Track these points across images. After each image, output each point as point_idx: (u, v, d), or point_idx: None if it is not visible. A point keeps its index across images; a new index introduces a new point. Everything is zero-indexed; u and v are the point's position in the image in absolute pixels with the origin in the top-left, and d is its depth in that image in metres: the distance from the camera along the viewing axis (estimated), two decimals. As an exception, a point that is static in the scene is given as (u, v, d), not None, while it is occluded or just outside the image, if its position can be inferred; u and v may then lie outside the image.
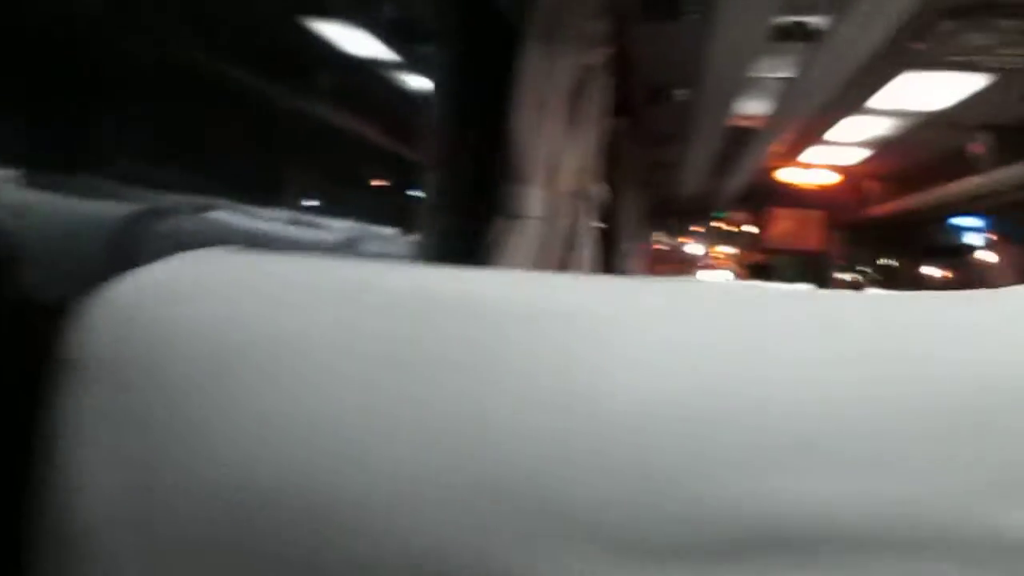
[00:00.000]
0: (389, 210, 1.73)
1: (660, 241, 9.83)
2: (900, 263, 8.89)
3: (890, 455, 0.33)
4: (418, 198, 1.68)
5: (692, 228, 9.86)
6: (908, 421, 0.34)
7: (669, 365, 0.36)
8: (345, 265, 0.44)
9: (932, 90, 4.09)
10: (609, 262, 4.12)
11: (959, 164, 5.11)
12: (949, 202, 5.67)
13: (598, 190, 1.85)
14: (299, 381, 0.38)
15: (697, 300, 0.40)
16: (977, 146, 4.85)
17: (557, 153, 1.74)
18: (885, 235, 8.60)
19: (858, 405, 0.34)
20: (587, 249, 1.88)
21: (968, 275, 6.97)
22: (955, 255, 7.36)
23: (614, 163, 3.96)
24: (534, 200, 1.54)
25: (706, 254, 9.95)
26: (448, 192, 1.65)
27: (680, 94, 3.00)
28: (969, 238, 7.05)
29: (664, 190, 6.31)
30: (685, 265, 9.66)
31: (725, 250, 9.91)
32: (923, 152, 5.75)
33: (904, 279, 8.51)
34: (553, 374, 0.37)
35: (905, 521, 0.32)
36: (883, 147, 5.77)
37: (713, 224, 9.58)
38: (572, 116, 1.79)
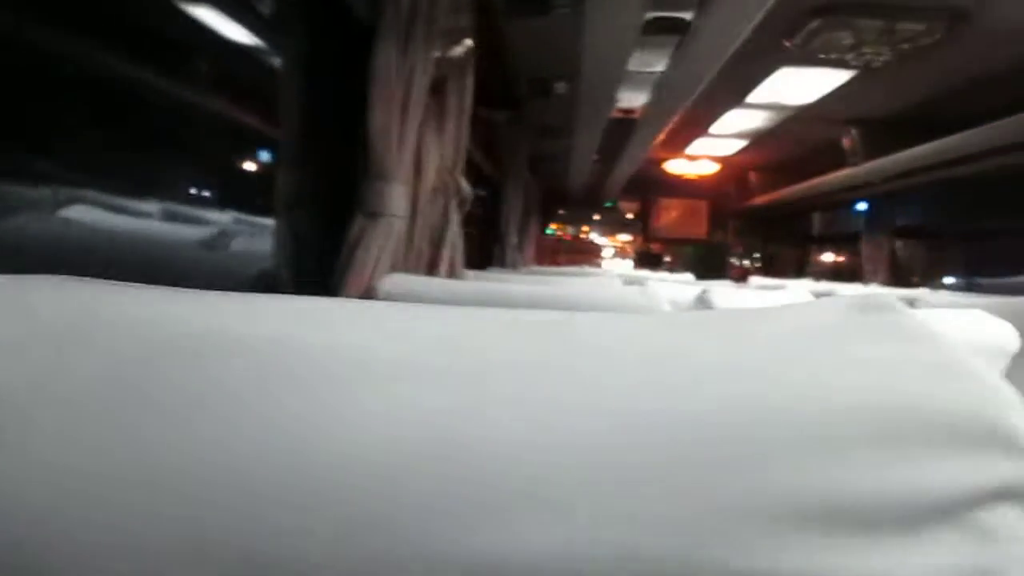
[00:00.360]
0: (251, 205, 1.66)
1: (563, 230, 9.96)
2: (788, 250, 9.24)
3: (617, 499, 0.32)
4: (279, 194, 1.62)
5: (595, 216, 9.98)
6: (635, 461, 0.32)
7: (407, 405, 0.34)
8: (73, 292, 0.40)
9: (803, 85, 4.25)
10: (496, 253, 4.13)
11: (835, 155, 5.34)
12: (825, 192, 5.92)
13: (466, 186, 1.82)
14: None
15: (444, 330, 0.38)
16: (847, 140, 5.08)
17: (420, 149, 1.71)
18: (773, 223, 8.93)
19: (587, 446, 0.33)
20: (457, 246, 1.85)
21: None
22: (847, 241, 7.62)
23: (498, 155, 3.96)
24: (396, 198, 1.51)
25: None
26: (308, 189, 1.60)
27: (560, 87, 3.01)
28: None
29: (554, 181, 6.37)
30: (585, 254, 9.81)
31: (624, 238, 10.11)
32: (800, 144, 5.99)
33: (790, 265, 8.88)
34: (290, 415, 0.34)
35: (632, 565, 0.31)
36: (763, 139, 5.98)
37: (616, 212, 9.72)
38: (436, 111, 1.76)
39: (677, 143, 6.72)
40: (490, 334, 0.37)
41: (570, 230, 10.05)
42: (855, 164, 5.06)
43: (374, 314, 0.39)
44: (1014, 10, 2.89)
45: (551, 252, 9.50)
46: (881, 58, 3.38)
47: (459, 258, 1.86)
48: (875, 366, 0.35)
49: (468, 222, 4.53)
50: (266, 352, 0.35)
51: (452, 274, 1.83)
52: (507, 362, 0.35)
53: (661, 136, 4.54)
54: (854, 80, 3.96)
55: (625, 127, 4.49)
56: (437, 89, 1.76)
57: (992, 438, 0.34)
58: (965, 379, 0.34)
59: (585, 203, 8.90)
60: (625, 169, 5.87)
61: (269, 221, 1.59)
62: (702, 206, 9.12)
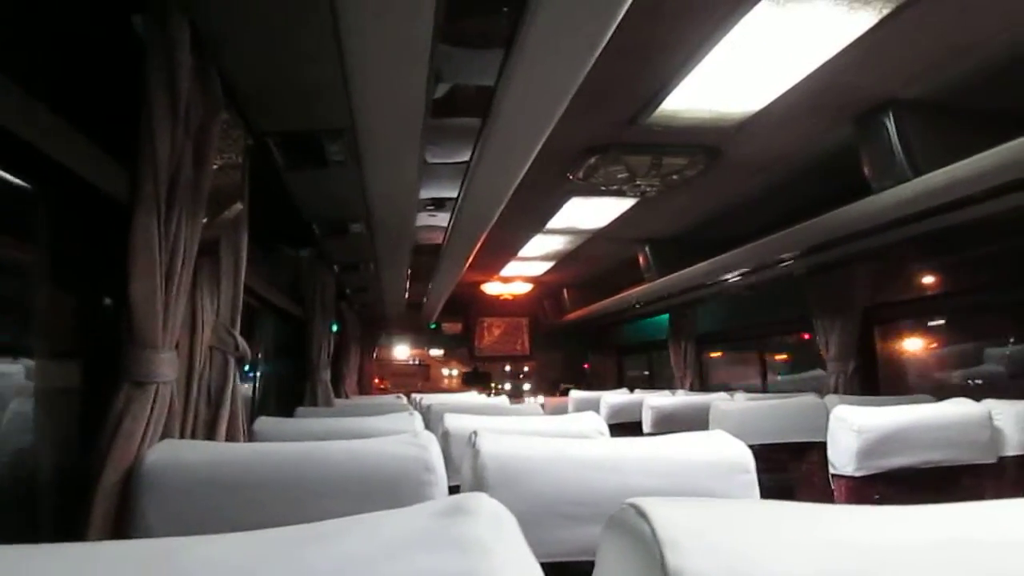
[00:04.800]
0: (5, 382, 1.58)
1: (400, 353, 9.94)
2: (603, 360, 9.62)
3: None
4: (38, 368, 1.55)
5: (422, 339, 10.02)
6: None
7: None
8: None
9: (593, 212, 4.57)
10: (308, 391, 4.06)
11: (636, 271, 5.69)
12: (630, 305, 6.27)
13: (243, 342, 1.81)
14: None
15: None
16: (641, 257, 5.46)
17: (194, 310, 1.70)
18: (590, 336, 9.31)
19: None
20: (238, 403, 1.82)
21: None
22: (657, 350, 7.99)
23: (303, 293, 3.95)
24: (164, 364, 1.48)
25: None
26: (68, 360, 1.54)
27: (357, 227, 3.08)
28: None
29: (372, 310, 6.38)
30: (416, 377, 9.79)
31: (436, 353, 10.22)
32: (604, 262, 6.36)
33: (610, 374, 9.23)
34: None
35: None
36: (569, 260, 6.31)
37: (440, 333, 9.78)
38: (210, 271, 1.77)
39: (491, 266, 6.96)
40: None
41: (410, 352, 10.06)
42: (651, 279, 5.42)
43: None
44: (752, 149, 3.30)
45: (378, 376, 9.46)
46: (654, 188, 3.71)
47: (241, 415, 1.83)
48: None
49: (280, 361, 4.43)
50: None
51: (233, 433, 1.79)
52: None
53: (471, 260, 4.68)
54: (637, 206, 4.30)
55: (434, 254, 4.61)
56: (210, 250, 1.77)
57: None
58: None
59: (409, 327, 8.96)
60: (441, 293, 5.99)
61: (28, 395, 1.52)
62: (522, 323, 9.44)
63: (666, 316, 6.76)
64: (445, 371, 9.95)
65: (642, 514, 0.50)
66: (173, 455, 1.40)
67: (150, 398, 1.45)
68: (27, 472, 1.50)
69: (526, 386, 9.73)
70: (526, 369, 10.04)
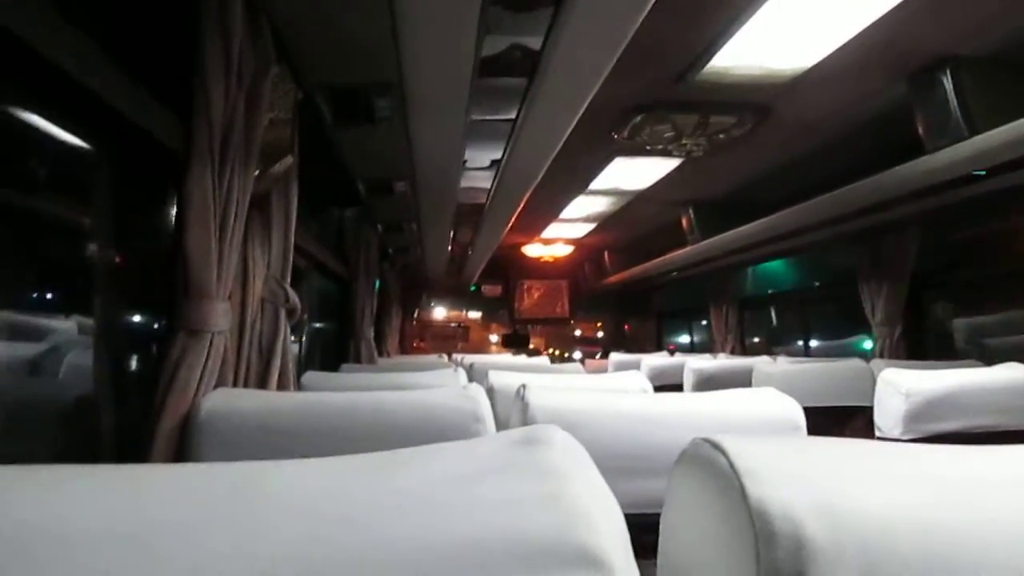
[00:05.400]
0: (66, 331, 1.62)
1: (439, 315, 9.98)
2: (643, 324, 9.55)
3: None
4: (97, 317, 1.58)
5: (462, 301, 10.04)
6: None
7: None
8: None
9: (637, 173, 4.52)
10: (351, 349, 4.11)
11: (678, 234, 5.64)
12: (672, 268, 6.22)
13: (294, 295, 1.84)
14: None
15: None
16: (684, 219, 5.40)
17: (246, 261, 1.72)
18: (630, 299, 9.26)
19: None
20: (288, 355, 1.86)
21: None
22: (699, 314, 7.93)
23: (347, 252, 3.99)
24: (218, 314, 1.51)
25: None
26: (127, 309, 1.58)
27: (401, 186, 3.09)
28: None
29: (414, 270, 6.43)
30: (456, 340, 9.83)
31: (493, 319, 10.22)
32: (646, 224, 6.31)
33: (651, 338, 9.18)
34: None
35: None
36: (611, 222, 6.26)
37: (480, 296, 9.78)
38: (261, 223, 1.79)
39: (532, 228, 6.94)
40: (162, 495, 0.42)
41: (450, 314, 10.08)
42: (695, 242, 5.36)
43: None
44: (802, 108, 3.23)
45: (418, 338, 9.54)
46: (700, 148, 3.66)
47: (291, 367, 1.86)
48: (503, 505, 0.41)
49: (324, 319, 4.47)
50: None
51: (284, 384, 1.83)
52: (176, 522, 0.39)
53: (513, 222, 4.67)
54: (682, 167, 4.25)
55: (476, 215, 4.61)
56: (261, 203, 1.79)
57: (581, 558, 0.40)
58: (568, 510, 0.41)
59: (450, 289, 8.98)
60: (482, 255, 6.00)
61: (87, 345, 1.55)
62: (562, 286, 9.43)
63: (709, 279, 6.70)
64: (493, 337, 9.89)
65: (717, 447, 0.50)
66: (227, 403, 1.43)
67: (205, 347, 1.48)
68: (87, 420, 1.55)
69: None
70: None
